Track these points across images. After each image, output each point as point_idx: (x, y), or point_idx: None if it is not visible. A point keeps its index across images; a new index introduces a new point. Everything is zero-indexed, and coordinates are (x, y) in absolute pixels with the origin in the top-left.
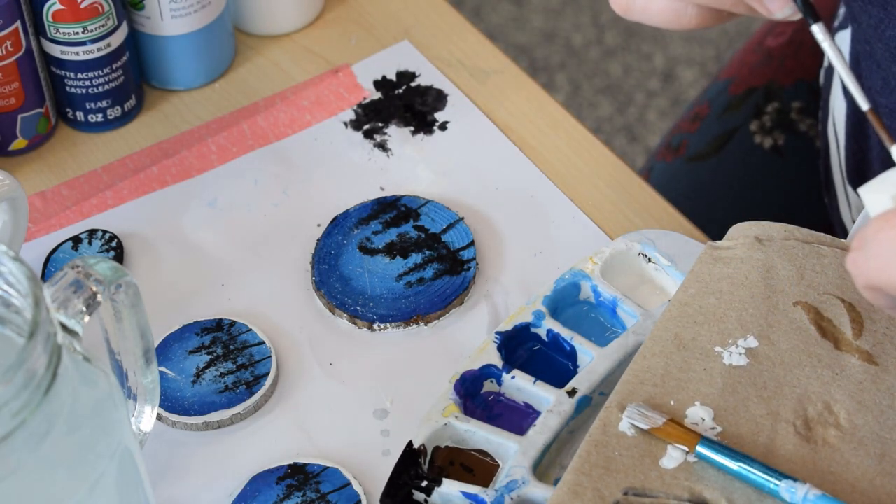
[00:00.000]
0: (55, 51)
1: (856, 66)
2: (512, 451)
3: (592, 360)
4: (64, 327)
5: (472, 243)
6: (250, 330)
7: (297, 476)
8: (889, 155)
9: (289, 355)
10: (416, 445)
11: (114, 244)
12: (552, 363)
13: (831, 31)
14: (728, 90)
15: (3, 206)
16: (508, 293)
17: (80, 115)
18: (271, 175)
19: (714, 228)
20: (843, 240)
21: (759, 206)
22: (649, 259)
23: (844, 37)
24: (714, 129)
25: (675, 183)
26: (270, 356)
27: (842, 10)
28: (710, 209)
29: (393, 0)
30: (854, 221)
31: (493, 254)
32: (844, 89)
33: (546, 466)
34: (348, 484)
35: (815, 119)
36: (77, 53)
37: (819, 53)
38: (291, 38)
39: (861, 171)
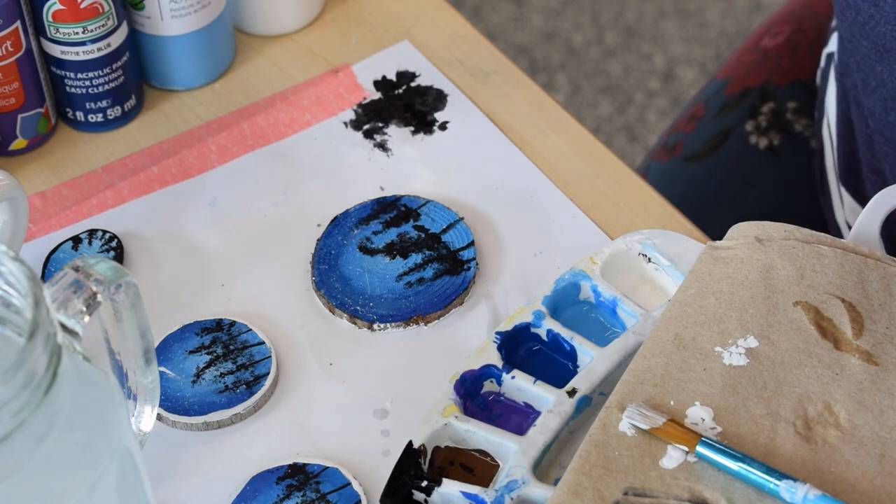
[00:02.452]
0: (55, 51)
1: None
2: (512, 451)
3: (592, 360)
4: (64, 327)
5: (472, 243)
6: (250, 330)
7: (297, 476)
8: (874, 157)
9: (289, 355)
10: (416, 445)
11: (114, 244)
12: (552, 363)
13: (828, 32)
14: (724, 90)
15: (3, 206)
16: (508, 293)
17: (80, 115)
18: (271, 175)
19: (712, 228)
20: (843, 240)
21: (754, 206)
22: (649, 259)
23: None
24: (710, 130)
25: (671, 183)
26: (270, 356)
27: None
28: (705, 209)
29: (393, 0)
30: (846, 221)
31: (493, 254)
32: (837, 91)
33: (546, 466)
34: (348, 484)
35: (810, 119)
36: (77, 53)
37: (815, 54)
38: (291, 38)
39: (853, 172)
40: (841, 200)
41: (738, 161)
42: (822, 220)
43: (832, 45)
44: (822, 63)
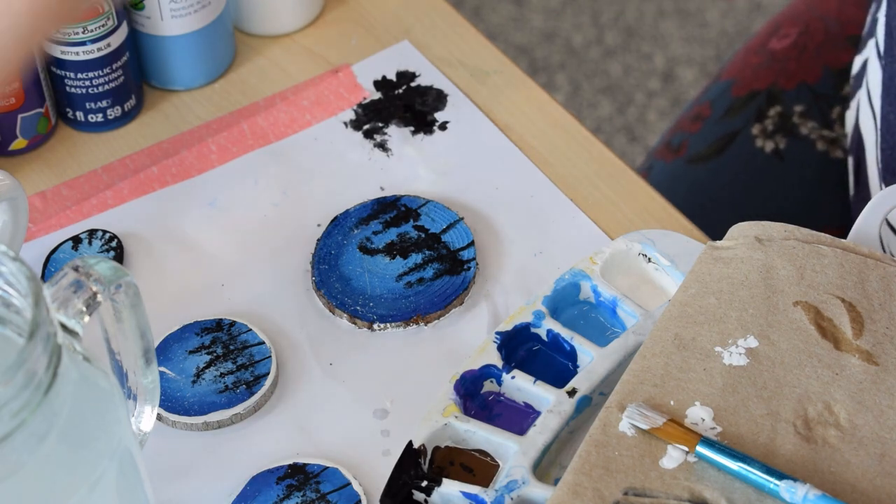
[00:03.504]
0: (55, 51)
1: (890, 37)
2: (512, 451)
3: (592, 360)
4: (64, 327)
5: (472, 243)
6: (250, 330)
7: (297, 476)
8: None
9: (289, 355)
10: (416, 445)
11: (114, 244)
12: (552, 363)
13: (860, 36)
14: (731, 92)
15: (3, 206)
16: (508, 293)
17: (80, 115)
18: (271, 175)
19: (716, 231)
20: (843, 240)
21: (758, 209)
22: (649, 259)
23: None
24: (715, 131)
25: (675, 184)
26: (270, 356)
27: (870, 18)
28: (709, 211)
29: (393, 0)
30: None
31: (493, 254)
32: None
33: (546, 466)
34: (348, 484)
35: (816, 123)
36: (77, 53)
37: (822, 56)
38: (291, 38)
39: (891, 169)
40: None
41: (743, 164)
42: (827, 225)
43: (879, 34)
44: (864, 55)
